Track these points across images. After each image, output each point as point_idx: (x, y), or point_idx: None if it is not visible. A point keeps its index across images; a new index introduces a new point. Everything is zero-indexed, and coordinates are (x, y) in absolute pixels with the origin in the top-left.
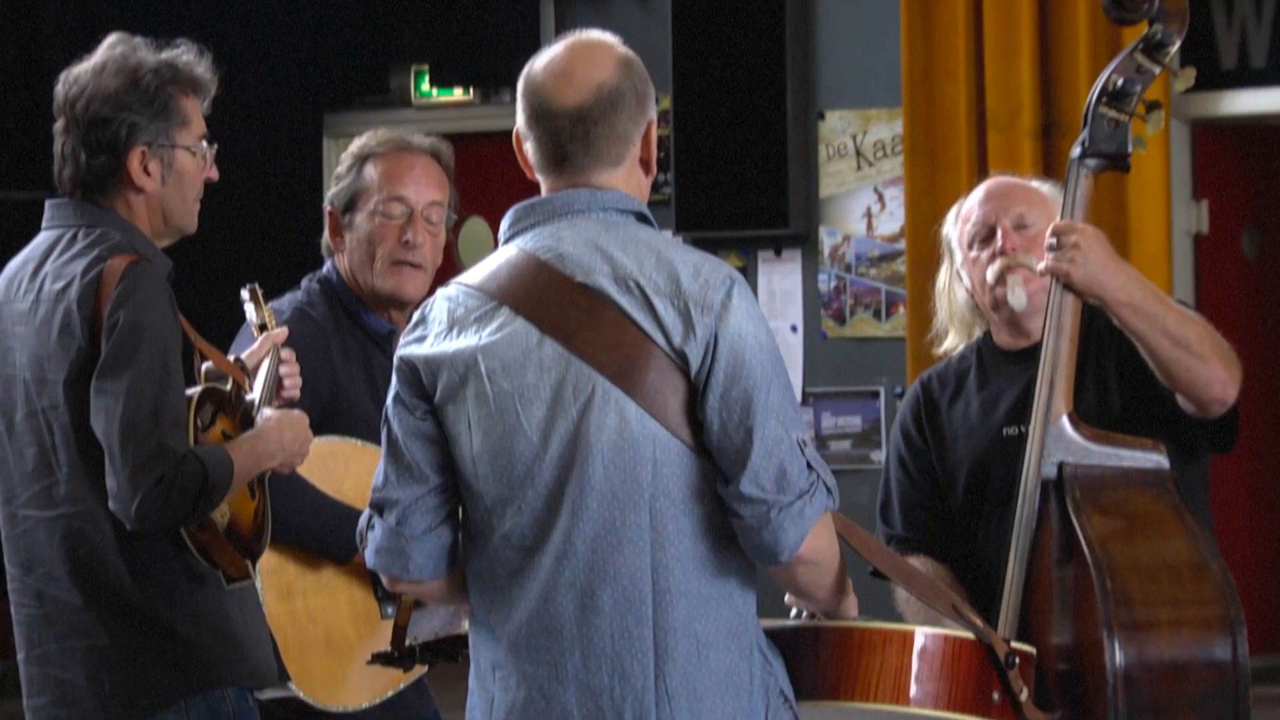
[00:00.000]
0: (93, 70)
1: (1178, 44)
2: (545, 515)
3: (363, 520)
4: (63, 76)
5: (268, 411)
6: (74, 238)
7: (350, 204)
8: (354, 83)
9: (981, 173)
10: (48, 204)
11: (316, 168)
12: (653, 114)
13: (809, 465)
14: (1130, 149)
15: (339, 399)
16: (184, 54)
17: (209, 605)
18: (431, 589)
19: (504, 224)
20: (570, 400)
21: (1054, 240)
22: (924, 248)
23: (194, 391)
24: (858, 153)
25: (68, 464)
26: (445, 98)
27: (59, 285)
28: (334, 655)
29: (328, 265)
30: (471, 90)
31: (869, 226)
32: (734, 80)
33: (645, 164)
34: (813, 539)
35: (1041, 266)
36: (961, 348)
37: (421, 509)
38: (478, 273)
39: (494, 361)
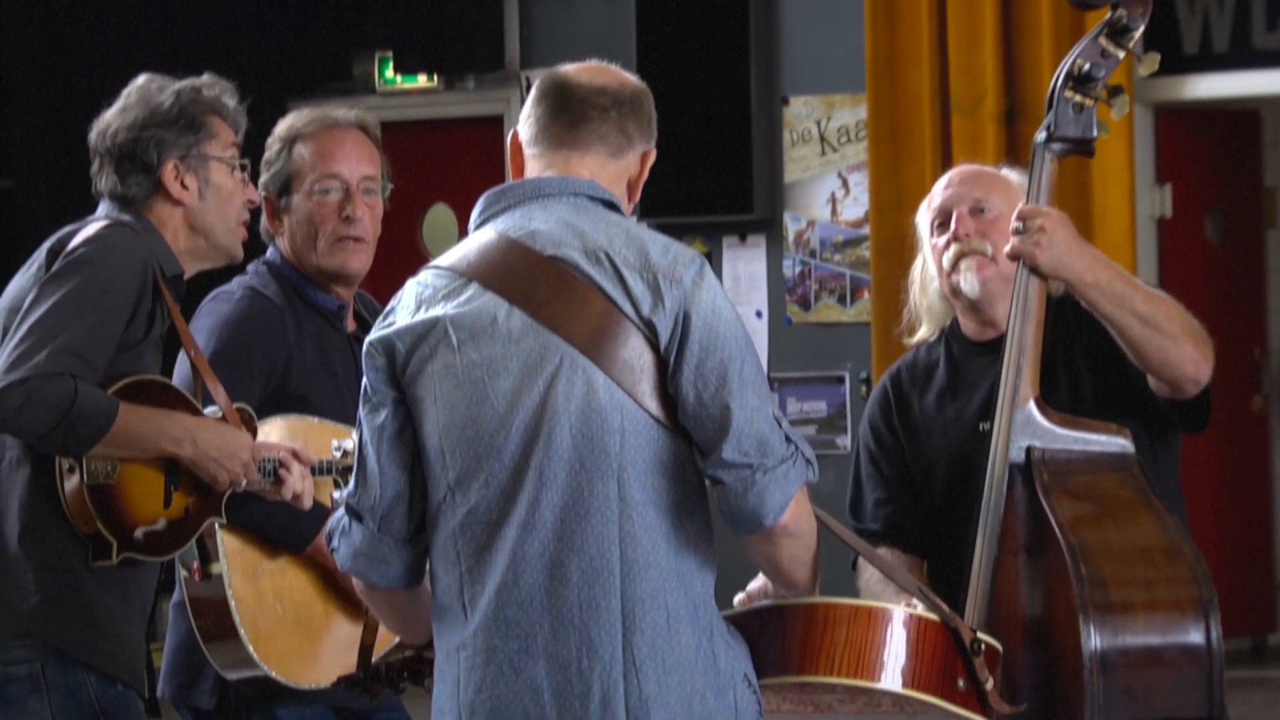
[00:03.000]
0: (118, 109)
1: (1142, 28)
2: (511, 486)
3: (333, 520)
4: (94, 124)
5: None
6: (96, 216)
7: (285, 187)
8: (318, 70)
9: (945, 158)
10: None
11: None
12: (653, 151)
13: (787, 437)
14: (1095, 133)
15: (294, 373)
16: (206, 80)
17: (77, 568)
18: (399, 599)
19: (475, 210)
20: (538, 370)
21: (1019, 224)
22: (888, 233)
23: (139, 376)
24: (822, 138)
25: None
26: (409, 85)
27: (50, 239)
28: (303, 633)
29: (270, 250)
30: (435, 77)
31: (833, 212)
32: (698, 66)
33: (631, 188)
34: (795, 507)
35: (1007, 249)
36: (931, 338)
37: (399, 514)
38: (448, 256)
39: (463, 332)
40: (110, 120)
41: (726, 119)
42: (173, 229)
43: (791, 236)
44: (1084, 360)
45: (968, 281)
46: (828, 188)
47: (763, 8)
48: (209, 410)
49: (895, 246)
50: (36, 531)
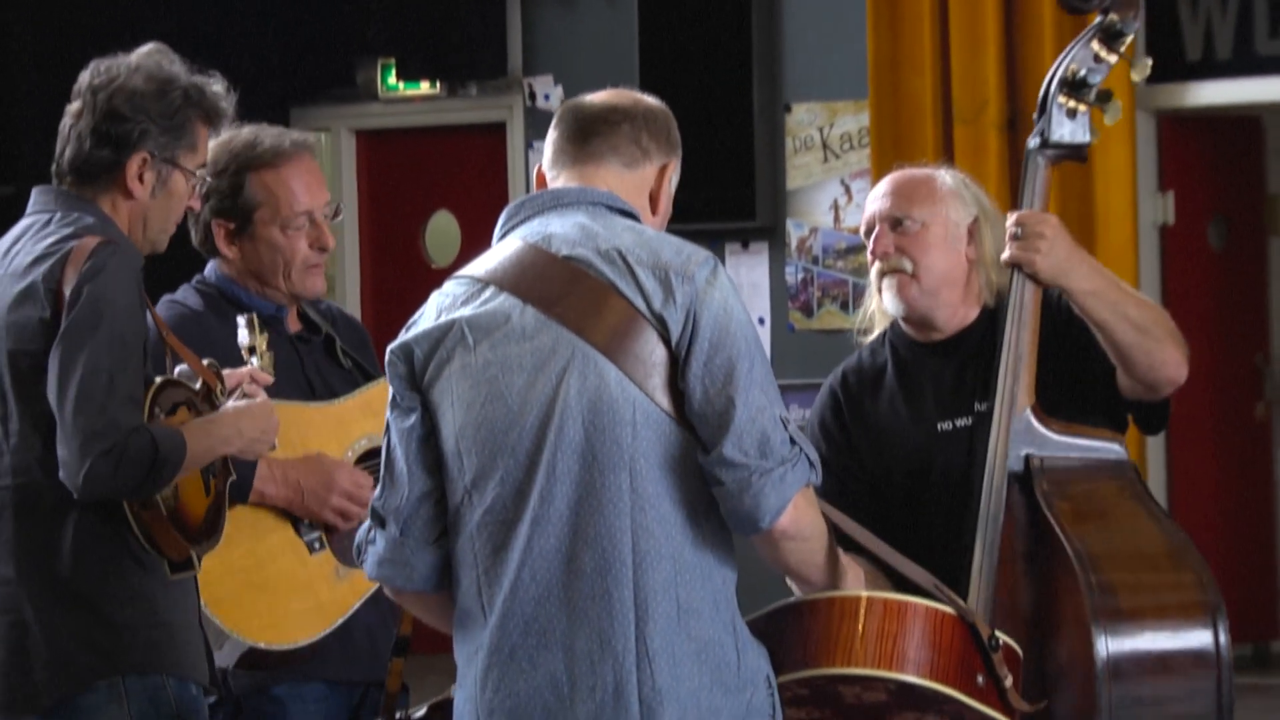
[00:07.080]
0: (126, 67)
1: (1134, 32)
2: (524, 482)
3: (361, 532)
4: (92, 64)
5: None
6: (49, 221)
7: (245, 220)
8: (321, 76)
9: (948, 165)
10: (34, 191)
11: None
12: (676, 165)
13: (791, 439)
14: (1088, 139)
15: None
16: (215, 84)
17: (145, 590)
18: (432, 602)
19: (499, 223)
20: (549, 364)
21: (1016, 230)
22: None
23: (157, 379)
24: (824, 145)
25: (18, 434)
26: (412, 91)
27: (27, 260)
28: (271, 595)
29: (209, 267)
30: (438, 84)
31: (836, 219)
32: (700, 73)
33: (654, 201)
34: (795, 510)
35: (1005, 256)
36: (872, 340)
37: (422, 517)
38: (469, 267)
39: (479, 332)
40: (114, 74)
41: (729, 126)
42: (122, 219)
43: (794, 243)
44: (1051, 350)
45: (890, 303)
46: (830, 194)
47: (765, 15)
48: (179, 370)
49: None
50: (96, 568)
